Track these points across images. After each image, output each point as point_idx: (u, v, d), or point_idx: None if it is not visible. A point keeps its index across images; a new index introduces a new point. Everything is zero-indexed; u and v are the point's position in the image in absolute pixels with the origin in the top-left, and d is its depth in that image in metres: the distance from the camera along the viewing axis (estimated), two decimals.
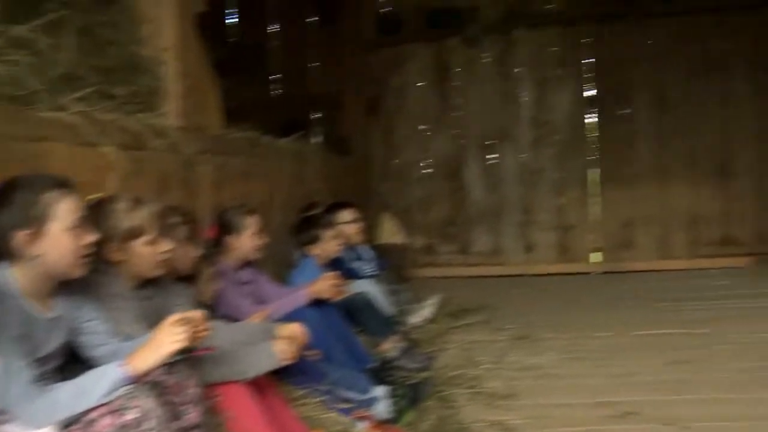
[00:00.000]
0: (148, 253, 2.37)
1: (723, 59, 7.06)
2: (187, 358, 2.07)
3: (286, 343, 2.56)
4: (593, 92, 7.27)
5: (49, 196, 1.92)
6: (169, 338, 1.86)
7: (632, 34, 7.14)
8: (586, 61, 7.25)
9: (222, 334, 2.55)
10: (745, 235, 7.13)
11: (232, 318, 3.14)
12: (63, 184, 1.97)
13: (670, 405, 3.25)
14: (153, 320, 2.41)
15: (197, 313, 2.02)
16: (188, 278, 2.89)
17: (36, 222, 1.89)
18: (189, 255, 2.79)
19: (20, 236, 1.87)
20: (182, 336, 1.86)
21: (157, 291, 2.54)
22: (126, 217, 2.33)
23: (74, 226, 1.95)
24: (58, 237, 1.92)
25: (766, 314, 4.77)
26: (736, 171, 7.12)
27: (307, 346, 2.91)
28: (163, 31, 3.53)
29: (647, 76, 7.15)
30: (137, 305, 2.38)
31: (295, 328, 2.71)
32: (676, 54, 7.11)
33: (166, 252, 2.43)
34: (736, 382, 3.49)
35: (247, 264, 3.53)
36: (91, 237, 1.99)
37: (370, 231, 6.83)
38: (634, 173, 7.21)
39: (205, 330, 2.00)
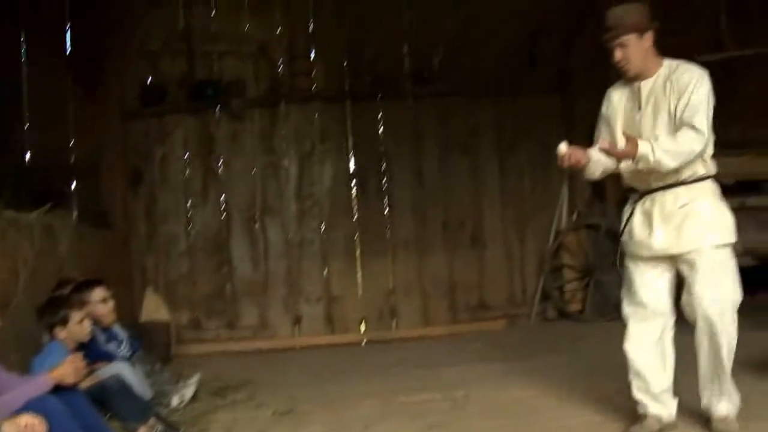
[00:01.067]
0: None
1: (472, 137, 7.70)
2: None
3: None
4: (354, 166, 7.56)
5: None
6: None
7: (391, 112, 7.57)
8: (348, 136, 7.55)
9: None
10: (498, 300, 7.69)
11: None
12: None
13: None
14: None
15: None
16: None
17: None
18: None
19: None
20: None
21: None
22: None
23: None
24: None
25: (516, 374, 5.12)
26: (485, 240, 7.71)
27: None
28: None
29: (405, 151, 7.59)
30: None
31: (25, 420, 2.47)
32: (431, 132, 7.63)
33: None
34: None
35: None
36: None
37: (131, 308, 6.54)
38: (394, 244, 7.55)
39: None
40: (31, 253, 4.29)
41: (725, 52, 6.85)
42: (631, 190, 3.65)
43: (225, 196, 7.37)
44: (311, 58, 7.52)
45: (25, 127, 6.82)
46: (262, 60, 7.47)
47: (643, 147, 3.32)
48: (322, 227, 7.47)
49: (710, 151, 3.46)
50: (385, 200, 7.58)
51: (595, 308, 7.34)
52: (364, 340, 7.33)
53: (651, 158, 3.30)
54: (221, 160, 7.38)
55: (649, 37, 3.45)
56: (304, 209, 7.46)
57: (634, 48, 3.43)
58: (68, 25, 7.15)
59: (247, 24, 7.49)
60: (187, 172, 7.35)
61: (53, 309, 3.94)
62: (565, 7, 7.58)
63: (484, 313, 7.65)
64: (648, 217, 3.53)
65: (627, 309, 3.62)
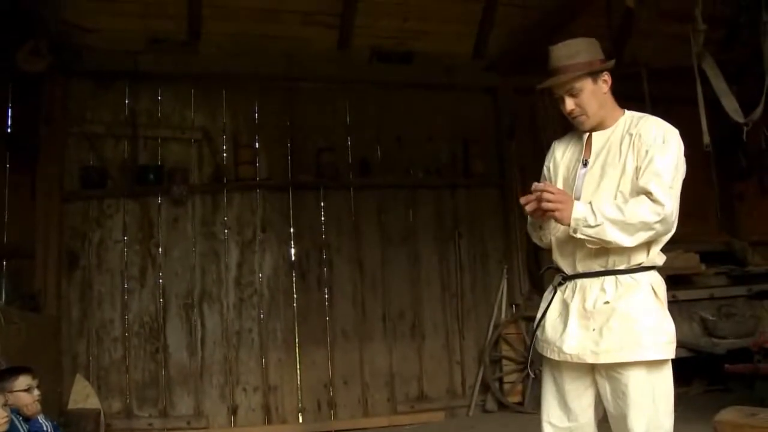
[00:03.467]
0: None
1: (413, 228, 7.80)
2: None
3: None
4: (294, 256, 7.54)
5: None
6: None
7: (333, 202, 7.64)
8: (290, 225, 7.56)
9: None
10: (438, 391, 7.64)
11: None
12: None
13: None
14: None
15: None
16: None
17: None
18: None
19: None
20: None
21: None
22: None
23: None
24: None
25: None
26: (425, 331, 7.71)
27: None
28: None
29: (345, 241, 7.63)
30: None
31: None
32: (371, 222, 7.70)
33: None
34: None
35: None
36: None
37: (60, 395, 6.29)
38: (333, 334, 7.48)
39: None
40: None
41: None
42: (558, 270, 2.96)
43: (163, 282, 7.23)
44: (256, 147, 7.58)
45: None
46: (206, 147, 7.49)
47: (581, 208, 2.66)
48: (261, 316, 7.37)
49: (671, 231, 2.76)
50: (326, 290, 7.55)
51: (535, 400, 7.33)
52: (303, 431, 7.15)
53: (592, 222, 2.64)
54: (160, 246, 7.27)
55: (605, 80, 2.85)
56: (243, 297, 7.35)
57: (588, 94, 2.81)
58: (8, 106, 7.12)
59: (192, 111, 7.54)
60: (125, 256, 7.21)
61: None
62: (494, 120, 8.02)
63: (424, 404, 7.57)
64: (565, 310, 2.84)
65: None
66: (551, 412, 2.91)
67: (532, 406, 7.28)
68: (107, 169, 7.29)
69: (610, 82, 2.87)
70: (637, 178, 2.72)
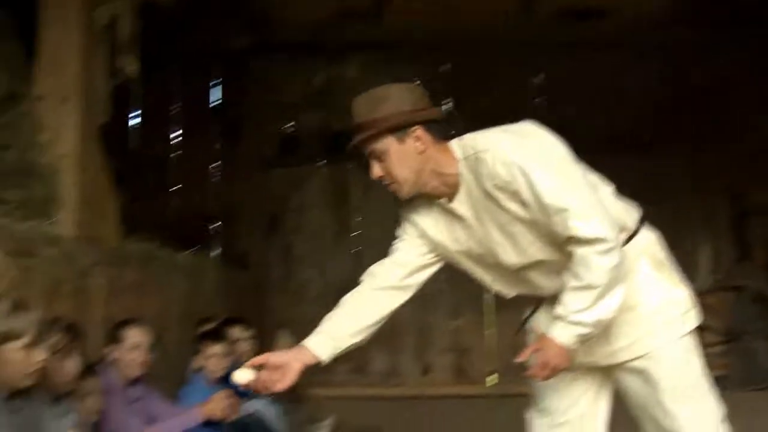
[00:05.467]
0: (20, 359, 2.24)
1: None
2: None
3: None
4: None
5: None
6: None
7: None
8: None
9: None
10: None
11: None
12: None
13: None
14: None
15: None
16: (68, 394, 2.74)
17: None
18: (69, 369, 2.64)
19: None
20: None
21: (28, 403, 2.38)
22: (4, 319, 2.21)
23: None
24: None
25: None
26: None
27: None
28: (63, 138, 3.49)
29: None
30: (6, 419, 2.22)
31: None
32: None
33: (39, 361, 2.29)
34: None
35: (137, 380, 3.36)
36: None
37: (263, 349, 6.69)
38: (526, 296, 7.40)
39: None
40: (182, 290, 4.50)
41: None
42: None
43: (357, 245, 7.49)
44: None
45: (174, 176, 7.26)
46: None
47: (560, 333, 2.11)
48: (454, 277, 7.41)
49: (621, 219, 2.24)
50: None
51: (741, 374, 6.89)
52: (495, 393, 7.16)
53: (584, 331, 2.10)
54: (356, 210, 7.51)
55: (419, 134, 2.21)
56: None
57: (394, 158, 2.23)
58: (216, 82, 7.61)
59: (381, 79, 7.66)
60: (322, 220, 7.53)
61: (198, 344, 4.08)
62: None
63: None
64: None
65: None
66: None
67: (738, 380, 6.84)
68: (303, 137, 7.62)
69: (428, 138, 2.21)
70: (547, 229, 2.14)
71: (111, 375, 3.18)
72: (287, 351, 2.41)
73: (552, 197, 2.06)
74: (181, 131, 7.51)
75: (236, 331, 4.57)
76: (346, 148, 2.35)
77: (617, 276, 2.08)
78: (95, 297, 3.47)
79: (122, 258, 3.91)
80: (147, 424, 3.17)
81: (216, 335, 4.02)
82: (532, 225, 2.16)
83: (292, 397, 5.36)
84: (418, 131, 2.20)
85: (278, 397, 4.69)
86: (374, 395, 7.01)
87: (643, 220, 2.35)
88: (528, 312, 2.49)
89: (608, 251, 2.04)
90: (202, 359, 3.86)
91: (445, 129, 2.29)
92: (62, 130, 3.46)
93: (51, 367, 2.44)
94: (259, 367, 2.29)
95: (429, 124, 2.23)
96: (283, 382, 2.29)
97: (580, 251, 2.06)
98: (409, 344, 7.37)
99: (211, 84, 7.62)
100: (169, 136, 7.49)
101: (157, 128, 7.33)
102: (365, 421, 5.51)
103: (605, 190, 2.30)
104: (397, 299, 2.48)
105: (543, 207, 2.08)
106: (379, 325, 2.47)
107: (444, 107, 7.48)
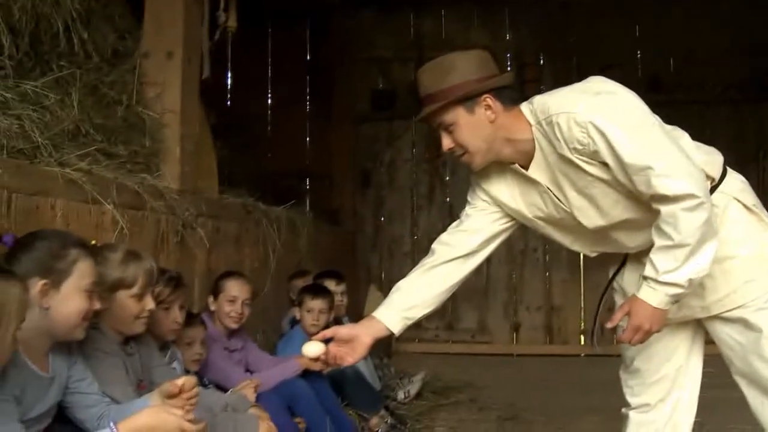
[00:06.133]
0: (130, 306, 2.32)
1: None
2: None
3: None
4: None
5: (75, 253, 1.93)
6: (166, 422, 1.81)
7: None
8: None
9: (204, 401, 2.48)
10: None
11: (219, 385, 3.08)
12: (87, 247, 1.99)
13: None
14: (135, 378, 2.37)
15: (191, 380, 1.99)
16: (173, 342, 2.85)
17: (57, 274, 1.88)
18: (174, 318, 2.74)
19: (38, 284, 1.85)
20: (178, 423, 1.81)
21: (139, 348, 2.49)
22: (118, 266, 2.30)
23: (88, 290, 1.94)
24: (72, 295, 1.91)
25: None
26: None
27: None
28: (168, 93, 3.57)
29: None
30: (122, 362, 2.33)
31: None
32: None
33: (148, 310, 2.38)
34: None
35: (237, 331, 3.46)
36: (97, 305, 1.99)
37: (355, 304, 6.80)
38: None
39: (195, 399, 1.97)
40: (279, 243, 4.59)
41: None
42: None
43: (450, 200, 7.47)
44: (540, 64, 7.42)
45: (269, 132, 7.39)
46: None
47: (648, 293, 2.04)
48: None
49: (711, 172, 2.17)
50: None
51: None
52: (586, 353, 7.10)
53: (676, 291, 2.02)
54: (448, 164, 7.47)
55: (488, 103, 2.14)
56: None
57: (465, 128, 2.16)
58: (308, 40, 7.65)
59: (476, 31, 7.55)
60: (414, 175, 7.53)
61: (296, 296, 4.18)
62: None
63: None
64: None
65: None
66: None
67: None
68: (395, 91, 7.59)
69: (498, 106, 2.14)
70: (629, 188, 2.06)
71: (212, 325, 3.29)
72: (356, 324, 2.40)
73: (634, 156, 1.98)
74: (274, 87, 7.61)
75: (330, 285, 4.63)
76: (414, 120, 2.28)
77: (708, 231, 1.99)
78: (198, 249, 3.57)
79: (223, 210, 4.01)
80: (246, 374, 3.27)
81: (316, 289, 4.08)
82: (615, 185, 2.09)
83: (383, 352, 5.46)
84: (488, 99, 2.14)
85: (371, 352, 4.77)
86: (463, 352, 7.06)
87: (726, 164, 2.25)
88: (613, 270, 2.43)
89: (697, 207, 1.95)
90: (301, 312, 3.94)
91: (516, 94, 2.22)
92: (167, 85, 3.54)
93: (157, 315, 2.54)
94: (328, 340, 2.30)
95: (499, 91, 2.16)
96: (353, 355, 2.29)
97: (666, 209, 1.98)
98: (500, 302, 7.35)
99: (303, 40, 7.66)
100: (263, 92, 7.60)
101: (252, 85, 7.44)
102: (457, 376, 5.54)
103: (685, 140, 2.18)
104: (468, 267, 2.44)
105: (624, 167, 2.00)
106: (450, 293, 2.45)
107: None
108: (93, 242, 2.27)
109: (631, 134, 2.00)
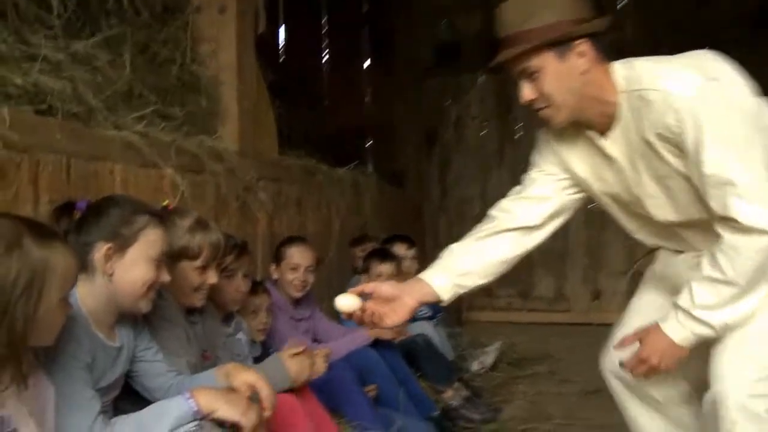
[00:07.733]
0: (192, 278, 2.34)
1: None
2: None
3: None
4: None
5: (144, 220, 1.94)
6: (240, 408, 1.83)
7: None
8: None
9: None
10: None
11: None
12: (158, 216, 2.00)
13: None
14: (200, 347, 2.40)
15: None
16: (238, 311, 2.88)
17: (122, 239, 1.90)
18: (238, 287, 2.76)
19: (103, 249, 1.88)
20: (251, 416, 1.83)
21: (203, 318, 2.52)
22: (186, 235, 2.31)
23: (155, 259, 1.95)
24: (137, 263, 1.92)
25: None
26: None
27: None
28: (222, 50, 3.56)
29: None
30: (184, 332, 2.35)
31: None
32: None
33: (210, 284, 2.39)
34: None
35: (303, 299, 3.48)
36: (165, 277, 2.00)
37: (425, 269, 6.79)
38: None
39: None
40: (343, 206, 4.59)
41: None
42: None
43: (522, 159, 7.32)
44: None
45: (327, 90, 7.35)
46: None
47: (674, 328, 1.93)
48: None
49: None
50: None
51: None
52: None
53: (708, 328, 1.90)
54: (520, 121, 7.35)
55: (583, 50, 1.96)
56: None
57: (552, 77, 1.97)
58: None
59: None
60: (483, 133, 7.43)
61: (364, 261, 4.17)
62: None
63: None
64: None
65: None
66: None
67: None
68: (461, 43, 7.47)
69: (593, 55, 1.96)
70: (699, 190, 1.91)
71: (277, 293, 3.32)
72: (401, 284, 2.24)
73: (717, 167, 1.82)
74: (332, 43, 7.55)
75: (401, 249, 4.62)
76: (489, 65, 2.06)
77: (761, 277, 1.85)
78: (259, 213, 3.59)
79: (284, 172, 4.02)
80: (314, 344, 3.29)
81: (383, 254, 4.08)
82: (684, 180, 1.95)
83: (455, 321, 5.44)
84: (583, 46, 1.95)
85: (442, 320, 4.77)
86: (540, 321, 6.99)
87: None
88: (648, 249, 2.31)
89: (764, 248, 1.81)
90: (369, 279, 3.93)
91: (609, 47, 2.03)
92: (222, 42, 3.54)
93: (221, 284, 2.56)
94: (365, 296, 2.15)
95: (595, 38, 1.97)
96: (393, 318, 2.14)
97: (730, 238, 1.83)
98: (578, 268, 7.23)
99: None
100: (320, 48, 7.55)
101: (308, 40, 7.40)
102: (534, 346, 5.50)
103: None
104: (529, 242, 2.30)
105: (702, 176, 1.85)
106: (507, 268, 2.30)
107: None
108: (166, 202, 2.29)
109: (726, 142, 1.83)
